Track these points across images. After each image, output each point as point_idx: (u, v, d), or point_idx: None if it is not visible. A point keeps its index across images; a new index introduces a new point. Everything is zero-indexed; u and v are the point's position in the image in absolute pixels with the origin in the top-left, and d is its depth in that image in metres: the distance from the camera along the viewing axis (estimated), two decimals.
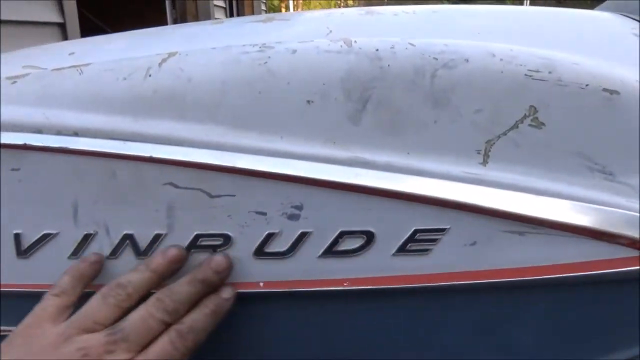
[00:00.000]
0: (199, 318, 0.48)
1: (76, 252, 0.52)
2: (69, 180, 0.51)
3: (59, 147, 0.50)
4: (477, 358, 0.53)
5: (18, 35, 1.93)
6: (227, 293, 0.50)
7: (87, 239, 0.52)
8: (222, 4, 5.02)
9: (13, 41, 1.76)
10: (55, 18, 2.17)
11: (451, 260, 0.51)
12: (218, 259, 0.50)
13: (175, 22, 4.17)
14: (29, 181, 0.52)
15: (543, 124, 0.50)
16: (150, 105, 0.51)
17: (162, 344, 0.47)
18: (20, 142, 0.51)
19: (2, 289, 0.54)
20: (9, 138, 0.51)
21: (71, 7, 2.29)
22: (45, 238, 0.53)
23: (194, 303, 0.49)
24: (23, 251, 0.53)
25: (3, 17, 1.84)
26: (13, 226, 0.53)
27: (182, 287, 0.49)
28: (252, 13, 6.11)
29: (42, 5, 2.10)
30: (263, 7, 7.29)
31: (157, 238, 0.52)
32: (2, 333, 0.55)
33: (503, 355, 0.53)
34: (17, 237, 0.53)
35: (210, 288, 0.50)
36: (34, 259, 0.53)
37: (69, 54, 0.57)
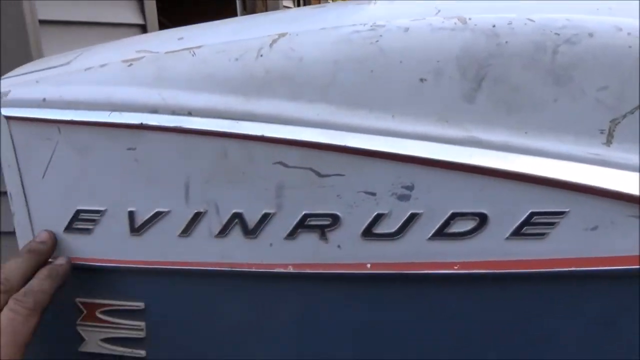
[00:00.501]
0: (34, 282, 0.53)
1: (187, 230, 0.54)
2: (182, 159, 0.52)
3: (174, 127, 0.52)
4: (596, 351, 0.50)
5: (106, 36, 2.01)
6: (60, 260, 0.57)
7: (197, 217, 0.53)
8: (290, 4, 5.09)
9: (102, 41, 1.84)
10: (138, 20, 2.25)
11: (570, 246, 0.49)
12: (41, 232, 0.57)
13: None
14: (144, 160, 0.53)
15: None
16: (262, 85, 0.51)
17: (3, 313, 0.50)
18: (137, 121, 0.52)
19: (115, 265, 0.56)
20: (126, 118, 0.53)
21: (151, 10, 2.38)
22: (157, 216, 0.54)
23: (28, 274, 0.54)
24: (136, 229, 0.55)
25: (95, 19, 1.92)
26: (128, 204, 0.55)
27: (12, 261, 0.54)
28: None
29: (127, 8, 2.19)
30: None
31: (265, 217, 0.52)
32: (112, 308, 0.57)
33: (626, 350, 0.50)
34: (131, 214, 0.55)
35: (41, 257, 0.56)
36: (146, 236, 0.55)
37: (178, 39, 0.58)
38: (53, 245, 0.57)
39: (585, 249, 0.49)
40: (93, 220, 0.55)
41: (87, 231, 0.56)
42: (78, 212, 0.55)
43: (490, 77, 0.48)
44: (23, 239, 0.58)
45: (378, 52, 0.49)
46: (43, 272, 0.54)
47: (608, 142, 0.48)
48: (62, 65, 0.58)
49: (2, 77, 0.58)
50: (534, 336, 0.51)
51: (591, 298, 0.50)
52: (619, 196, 0.47)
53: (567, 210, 0.48)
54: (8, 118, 0.55)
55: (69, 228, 0.56)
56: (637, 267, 0.48)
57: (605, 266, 0.48)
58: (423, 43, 0.49)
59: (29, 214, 0.57)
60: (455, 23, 0.49)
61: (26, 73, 0.59)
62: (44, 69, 0.58)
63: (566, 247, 0.49)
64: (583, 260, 0.49)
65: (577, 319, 0.50)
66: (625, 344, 0.50)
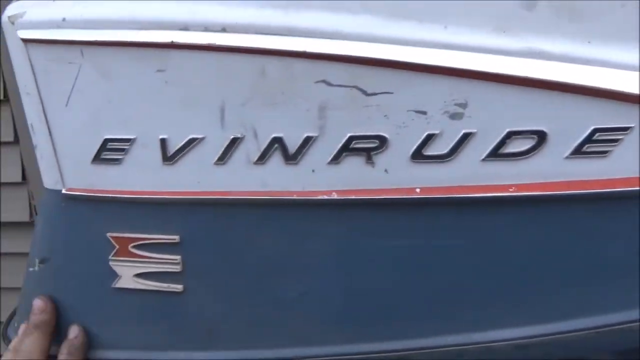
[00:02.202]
0: None
1: (223, 157, 0.51)
2: (216, 80, 0.49)
3: (207, 44, 0.48)
4: None
5: None
6: (73, 332, 0.57)
7: (234, 143, 0.50)
8: None
9: None
10: None
11: (634, 163, 0.46)
12: (36, 301, 0.57)
13: None
14: (175, 83, 0.50)
15: None
16: None
17: None
18: (166, 40, 0.49)
19: (147, 197, 0.53)
20: (154, 36, 0.49)
21: None
22: (191, 143, 0.51)
23: (46, 347, 0.56)
24: (169, 157, 0.52)
25: None
26: (159, 131, 0.51)
27: (27, 341, 0.56)
28: None
29: None
30: None
31: (307, 141, 0.49)
32: (146, 242, 0.54)
33: None
34: (163, 142, 0.51)
35: (49, 326, 0.57)
36: (180, 165, 0.52)
37: None
38: (53, 309, 0.57)
39: None
40: (122, 150, 0.52)
41: (117, 161, 0.53)
42: (106, 141, 0.52)
43: None
44: (48, 174, 0.56)
45: None
46: (63, 353, 0.56)
47: None
48: None
49: None
50: (593, 258, 0.48)
51: None
52: None
53: (632, 125, 0.45)
54: (26, 41, 0.51)
55: (97, 159, 0.53)
56: None
57: None
58: None
59: (54, 146, 0.54)
60: None
61: None
62: None
63: (630, 165, 0.46)
64: None
65: (637, 239, 0.48)
66: None
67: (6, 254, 1.70)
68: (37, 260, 0.58)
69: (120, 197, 0.54)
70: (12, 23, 0.52)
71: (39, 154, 0.56)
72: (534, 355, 0.50)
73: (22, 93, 0.54)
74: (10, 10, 0.52)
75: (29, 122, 0.55)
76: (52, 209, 0.57)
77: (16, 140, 1.53)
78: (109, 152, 0.53)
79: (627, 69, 0.44)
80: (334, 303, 0.52)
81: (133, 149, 0.52)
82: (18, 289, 1.86)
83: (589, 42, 0.45)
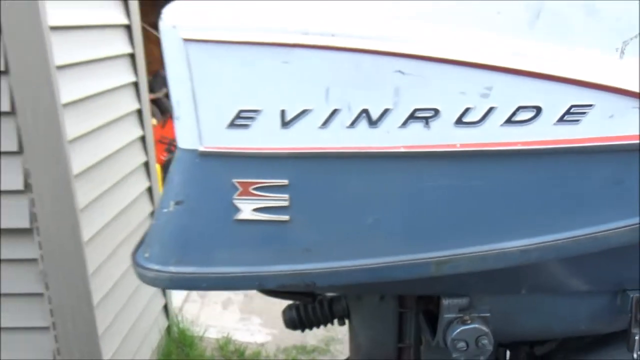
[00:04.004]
0: None
1: (326, 123, 0.73)
2: (324, 70, 0.72)
3: (322, 45, 0.71)
4: (609, 207, 0.75)
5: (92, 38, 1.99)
6: None
7: (334, 113, 0.73)
8: None
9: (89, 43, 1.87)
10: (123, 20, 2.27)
11: (594, 128, 0.73)
12: None
13: None
14: (301, 72, 0.72)
15: None
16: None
17: None
18: (291, 41, 0.72)
19: (266, 151, 0.75)
20: (280, 38, 0.72)
21: (135, 10, 2.42)
22: (303, 113, 0.73)
23: None
24: (286, 123, 0.74)
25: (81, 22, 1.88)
26: (280, 104, 0.74)
27: None
28: None
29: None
30: None
31: (385, 111, 0.73)
32: (263, 184, 0.76)
33: (622, 207, 0.75)
34: (282, 112, 0.74)
35: None
36: (293, 128, 0.74)
37: None
38: None
39: (604, 131, 0.72)
40: (251, 118, 0.74)
41: (246, 127, 0.74)
42: (240, 111, 0.74)
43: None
44: (185, 138, 0.76)
45: None
46: None
47: (620, 55, 0.72)
48: None
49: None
50: (569, 200, 0.74)
51: (608, 165, 0.74)
52: (628, 93, 0.71)
53: (593, 103, 0.72)
54: (186, 40, 0.73)
55: (231, 125, 0.74)
56: (636, 142, 0.72)
57: (618, 141, 0.73)
58: None
59: (197, 117, 0.75)
60: None
61: None
62: None
63: (592, 129, 0.73)
64: (603, 138, 0.73)
65: (596, 182, 0.74)
66: (625, 203, 0.75)
67: (6, 260, 1.78)
68: (172, 202, 0.78)
69: (245, 152, 0.75)
70: (174, 26, 0.73)
71: (179, 123, 0.76)
72: (533, 256, 0.74)
73: (173, 79, 0.75)
74: (169, 13, 0.73)
75: (174, 100, 0.75)
76: (188, 163, 0.77)
77: (20, 151, 1.67)
78: (241, 119, 0.74)
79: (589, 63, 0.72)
80: (398, 225, 0.75)
81: (259, 117, 0.74)
82: (19, 294, 1.89)
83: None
